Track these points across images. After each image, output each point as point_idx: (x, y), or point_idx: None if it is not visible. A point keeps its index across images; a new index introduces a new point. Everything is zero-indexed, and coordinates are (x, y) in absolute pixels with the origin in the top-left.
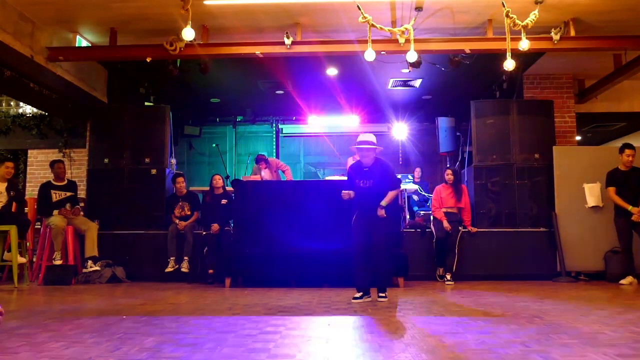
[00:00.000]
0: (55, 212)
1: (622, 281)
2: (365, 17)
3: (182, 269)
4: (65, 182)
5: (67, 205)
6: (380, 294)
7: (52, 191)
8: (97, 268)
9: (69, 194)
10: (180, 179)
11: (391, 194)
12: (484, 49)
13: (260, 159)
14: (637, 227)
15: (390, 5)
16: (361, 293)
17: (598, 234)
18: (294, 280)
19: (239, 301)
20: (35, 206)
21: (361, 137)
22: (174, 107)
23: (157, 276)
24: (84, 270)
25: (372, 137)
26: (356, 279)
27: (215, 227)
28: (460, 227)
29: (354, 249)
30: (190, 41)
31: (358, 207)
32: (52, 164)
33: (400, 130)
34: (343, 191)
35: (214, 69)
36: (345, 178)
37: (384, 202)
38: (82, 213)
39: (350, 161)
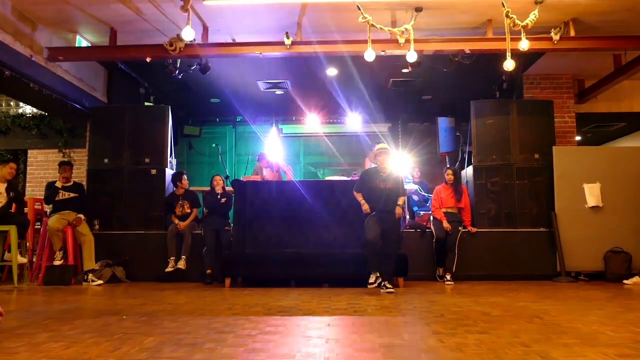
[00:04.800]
0: (56, 215)
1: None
2: (365, 17)
3: (179, 266)
4: (71, 183)
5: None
6: (388, 287)
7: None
8: (97, 280)
9: (73, 194)
10: (184, 177)
11: (403, 198)
12: (484, 49)
13: (262, 157)
14: None
15: (390, 5)
16: (375, 277)
17: (598, 234)
18: (294, 280)
19: (238, 301)
20: (35, 206)
21: (381, 145)
22: (174, 107)
23: (157, 276)
24: (85, 283)
25: (387, 145)
26: (370, 266)
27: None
28: (460, 227)
29: (370, 247)
30: (190, 41)
31: (375, 207)
32: (59, 165)
33: (400, 132)
34: (364, 207)
35: (214, 69)
36: (346, 178)
37: (401, 202)
38: (83, 219)
39: (368, 163)
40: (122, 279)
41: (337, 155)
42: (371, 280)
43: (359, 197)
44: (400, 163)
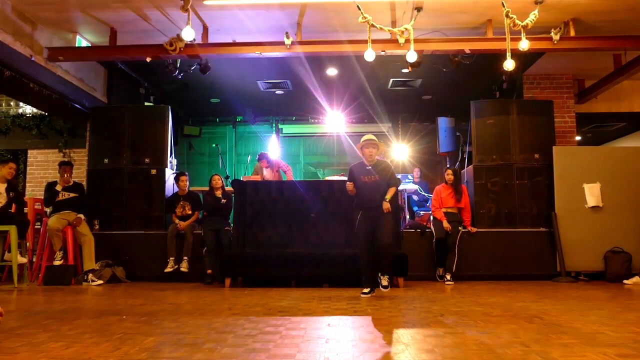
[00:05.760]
0: (56, 216)
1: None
2: (365, 18)
3: (182, 269)
4: (71, 183)
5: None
6: (384, 285)
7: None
8: (97, 280)
9: (72, 194)
10: (184, 177)
11: (393, 190)
12: (484, 49)
13: (263, 157)
14: None
15: (390, 5)
16: (369, 288)
17: (598, 234)
18: (294, 280)
19: (238, 301)
20: (35, 206)
21: (366, 137)
22: (174, 107)
23: (157, 276)
24: (85, 283)
25: (374, 137)
26: (364, 276)
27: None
28: (460, 227)
29: (361, 247)
30: (190, 41)
31: (362, 203)
32: (60, 165)
33: (399, 132)
34: (348, 183)
35: (214, 69)
36: (346, 178)
37: (388, 197)
38: (83, 219)
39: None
40: (122, 279)
41: (337, 155)
42: (365, 290)
43: (350, 185)
44: (394, 155)
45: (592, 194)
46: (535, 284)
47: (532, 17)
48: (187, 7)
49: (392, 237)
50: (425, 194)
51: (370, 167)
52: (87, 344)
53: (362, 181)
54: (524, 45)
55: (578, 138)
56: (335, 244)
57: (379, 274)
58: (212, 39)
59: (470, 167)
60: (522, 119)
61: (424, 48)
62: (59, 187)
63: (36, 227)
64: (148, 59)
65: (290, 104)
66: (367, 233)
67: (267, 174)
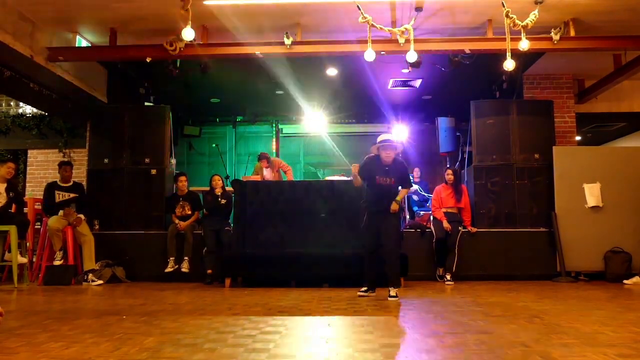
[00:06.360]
0: (57, 214)
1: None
2: (365, 18)
3: (183, 269)
4: (71, 183)
5: (72, 206)
6: (392, 295)
7: (56, 191)
8: (97, 280)
9: (73, 195)
10: (183, 178)
11: (404, 192)
12: (484, 49)
13: (263, 157)
14: None
15: (390, 5)
16: (366, 287)
17: (598, 234)
18: (294, 280)
19: (238, 301)
20: (35, 206)
21: (383, 137)
22: (174, 107)
23: (157, 276)
24: (85, 283)
25: (392, 137)
26: (365, 275)
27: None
28: (460, 227)
29: (366, 247)
30: (190, 41)
31: (370, 204)
32: (60, 165)
33: (401, 132)
34: (354, 165)
35: (214, 69)
36: (346, 178)
37: (399, 198)
38: (83, 219)
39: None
40: (122, 279)
41: (337, 155)
42: (363, 289)
43: (355, 168)
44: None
45: (592, 194)
46: (535, 284)
47: (532, 17)
48: (187, 7)
49: (397, 240)
50: (425, 194)
51: (387, 168)
52: (87, 344)
53: (377, 182)
54: (524, 45)
55: (578, 138)
56: (335, 244)
57: (389, 287)
58: (212, 39)
59: (470, 167)
60: (522, 119)
61: (424, 48)
62: (60, 184)
63: (36, 227)
64: (148, 59)
65: (290, 104)
66: (372, 235)
67: (267, 174)
